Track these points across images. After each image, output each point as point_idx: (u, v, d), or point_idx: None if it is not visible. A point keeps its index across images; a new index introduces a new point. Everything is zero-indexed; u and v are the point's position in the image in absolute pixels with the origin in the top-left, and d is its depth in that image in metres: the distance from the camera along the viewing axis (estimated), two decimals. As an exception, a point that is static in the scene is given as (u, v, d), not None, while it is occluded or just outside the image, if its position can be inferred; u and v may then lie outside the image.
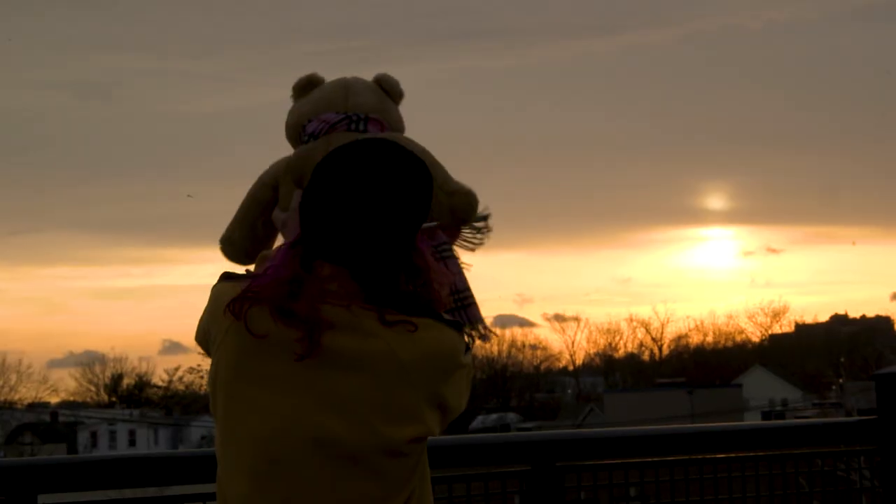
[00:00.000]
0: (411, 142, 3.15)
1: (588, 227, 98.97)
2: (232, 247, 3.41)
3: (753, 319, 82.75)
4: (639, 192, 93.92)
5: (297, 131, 3.30)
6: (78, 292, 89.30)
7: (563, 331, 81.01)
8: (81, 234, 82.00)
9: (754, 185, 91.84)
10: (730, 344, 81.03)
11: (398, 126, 3.34)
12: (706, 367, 71.78)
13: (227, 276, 2.36)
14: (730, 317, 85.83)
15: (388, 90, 3.35)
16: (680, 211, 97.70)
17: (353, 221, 2.19)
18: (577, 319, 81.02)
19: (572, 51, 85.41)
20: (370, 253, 2.21)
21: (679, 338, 79.89)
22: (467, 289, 3.17)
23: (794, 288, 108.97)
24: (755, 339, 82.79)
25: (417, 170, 2.28)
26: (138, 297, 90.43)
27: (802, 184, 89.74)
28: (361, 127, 3.19)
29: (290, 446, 2.18)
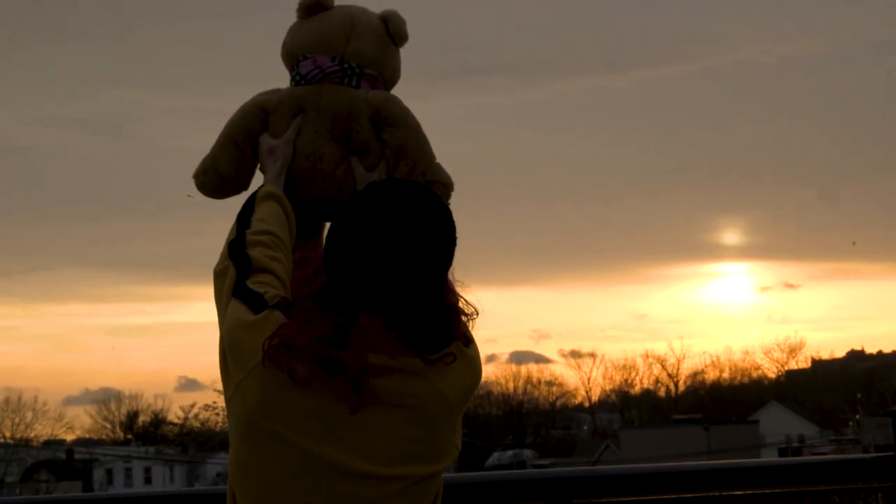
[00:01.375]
0: (403, 108, 3.10)
1: (604, 263, 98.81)
2: (218, 177, 3.11)
3: (770, 355, 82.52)
4: (654, 228, 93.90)
5: (291, 61, 3.19)
6: (93, 329, 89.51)
7: (579, 367, 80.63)
8: (95, 271, 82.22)
9: (771, 220, 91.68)
10: (746, 380, 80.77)
11: (393, 77, 3.23)
12: (722, 403, 71.53)
13: (243, 291, 2.38)
14: (746, 353, 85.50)
15: (392, 33, 3.20)
16: (696, 246, 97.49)
17: (387, 274, 2.19)
18: (592, 355, 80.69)
19: (586, 86, 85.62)
20: (405, 304, 2.23)
21: (695, 374, 79.72)
22: None
23: (810, 324, 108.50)
24: (771, 375, 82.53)
25: (443, 215, 2.30)
26: (153, 334, 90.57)
27: (819, 219, 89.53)
28: (354, 83, 3.08)
29: (322, 486, 2.21)
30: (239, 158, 3.10)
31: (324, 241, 3.13)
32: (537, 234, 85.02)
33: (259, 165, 3.08)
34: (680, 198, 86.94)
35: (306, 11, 3.17)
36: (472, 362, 2.36)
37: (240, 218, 2.71)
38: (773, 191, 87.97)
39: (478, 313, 2.44)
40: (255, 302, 2.34)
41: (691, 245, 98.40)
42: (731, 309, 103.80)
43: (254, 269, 2.47)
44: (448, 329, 2.30)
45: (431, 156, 3.12)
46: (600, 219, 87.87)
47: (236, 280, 2.44)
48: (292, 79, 3.16)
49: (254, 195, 2.81)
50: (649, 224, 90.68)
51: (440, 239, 2.27)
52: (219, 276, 2.53)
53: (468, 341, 2.38)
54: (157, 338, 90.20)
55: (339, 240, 2.26)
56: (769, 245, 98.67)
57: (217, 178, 3.11)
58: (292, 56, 3.17)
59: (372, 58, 3.13)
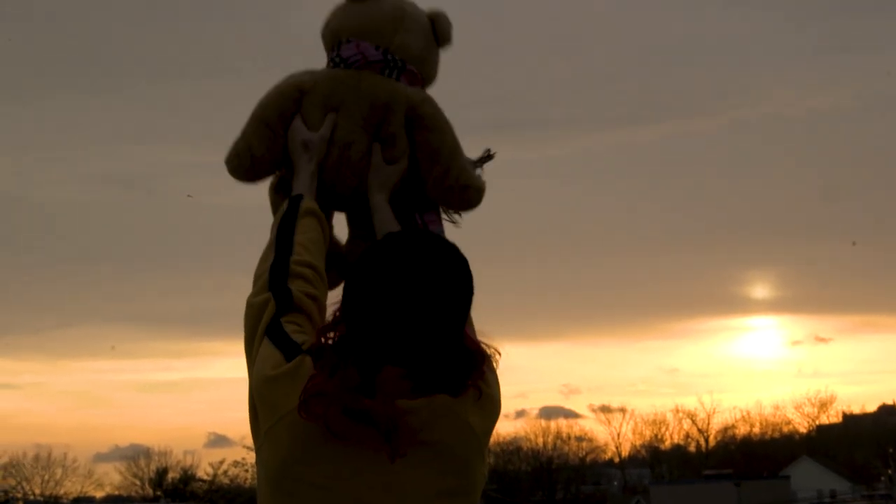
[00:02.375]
0: (439, 111, 3.05)
1: (633, 318, 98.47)
2: (252, 160, 2.99)
3: (800, 410, 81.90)
4: (684, 282, 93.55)
5: (332, 41, 3.11)
6: (121, 385, 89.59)
7: (609, 422, 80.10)
8: (123, 327, 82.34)
9: (801, 273, 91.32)
10: (777, 435, 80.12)
11: (431, 76, 3.18)
12: (753, 458, 70.90)
13: (278, 334, 2.38)
14: (776, 407, 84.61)
15: (438, 33, 3.16)
16: (726, 300, 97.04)
17: (408, 327, 2.19)
18: (622, 411, 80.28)
19: (614, 140, 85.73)
20: (426, 354, 2.22)
21: (725, 429, 79.10)
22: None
23: (841, 377, 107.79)
24: (802, 429, 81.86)
25: (460, 266, 2.29)
26: (182, 390, 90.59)
27: (850, 272, 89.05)
28: (395, 76, 3.03)
29: None
30: (272, 139, 3.00)
31: (332, 238, 3.08)
32: (567, 289, 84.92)
33: (288, 150, 3.00)
34: (709, 252, 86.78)
35: None
36: (493, 396, 2.37)
37: (280, 233, 2.69)
38: (802, 244, 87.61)
39: (500, 353, 2.43)
40: (289, 349, 2.33)
41: (721, 299, 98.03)
42: (762, 363, 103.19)
43: (293, 308, 2.46)
44: (470, 371, 2.29)
45: (464, 160, 3.07)
46: (629, 273, 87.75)
47: (273, 316, 2.44)
48: (331, 59, 3.09)
49: (295, 204, 2.78)
50: (679, 278, 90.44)
51: (458, 290, 2.27)
52: (255, 307, 2.50)
53: (485, 376, 2.37)
54: (186, 394, 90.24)
55: (358, 292, 2.25)
56: (799, 298, 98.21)
57: (250, 161, 3.01)
58: (335, 37, 3.10)
59: (416, 54, 3.09)
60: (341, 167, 2.96)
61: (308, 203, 2.79)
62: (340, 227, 3.13)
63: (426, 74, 3.16)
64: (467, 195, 3.06)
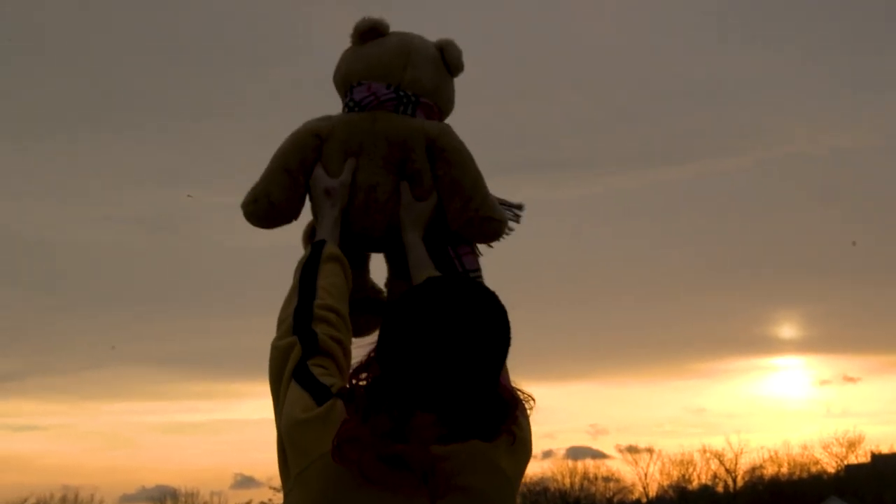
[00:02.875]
0: (459, 142, 3.02)
1: (660, 357, 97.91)
2: (269, 206, 2.98)
3: (829, 450, 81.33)
4: (711, 322, 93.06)
5: (344, 85, 3.10)
6: (148, 427, 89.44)
7: (636, 462, 79.64)
8: (149, 368, 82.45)
9: (828, 313, 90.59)
10: (805, 475, 79.56)
11: (447, 107, 3.15)
12: (782, 498, 70.42)
13: (306, 377, 2.38)
14: (805, 447, 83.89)
15: (448, 62, 3.12)
16: (753, 340, 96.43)
17: (443, 373, 2.18)
18: (650, 451, 79.82)
19: (641, 180, 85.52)
20: (460, 401, 2.21)
21: (753, 469, 78.58)
22: (478, 269, 3.06)
23: (870, 417, 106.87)
24: (831, 469, 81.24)
25: (498, 313, 2.29)
26: (208, 431, 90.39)
27: (878, 312, 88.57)
28: (410, 111, 3.00)
29: None
30: (291, 188, 2.99)
31: (368, 282, 3.13)
32: (595, 329, 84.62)
33: (310, 199, 3.01)
34: (737, 291, 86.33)
35: (361, 37, 3.10)
36: (525, 440, 2.36)
37: (303, 278, 2.69)
38: (830, 283, 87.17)
39: (534, 400, 2.43)
40: (318, 392, 2.33)
41: (749, 339, 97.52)
42: (790, 403, 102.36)
43: (318, 351, 2.46)
44: (503, 418, 2.29)
45: (485, 191, 3.03)
46: (657, 313, 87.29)
47: (300, 360, 2.43)
48: (345, 105, 3.08)
49: (318, 250, 2.78)
50: (706, 318, 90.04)
51: (495, 338, 2.27)
52: (280, 350, 2.50)
53: (518, 420, 2.36)
54: (212, 435, 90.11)
55: (395, 336, 2.25)
56: (827, 338, 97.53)
57: (268, 206, 3.00)
58: (346, 81, 3.09)
59: (429, 87, 3.06)
60: (370, 210, 2.94)
61: (330, 248, 2.79)
62: (379, 268, 3.14)
63: (442, 106, 3.13)
64: (489, 227, 3.02)
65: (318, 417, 2.27)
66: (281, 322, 2.60)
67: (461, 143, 3.02)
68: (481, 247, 3.11)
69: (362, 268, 3.12)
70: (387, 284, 3.13)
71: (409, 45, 3.07)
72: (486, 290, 2.36)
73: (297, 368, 2.42)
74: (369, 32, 3.08)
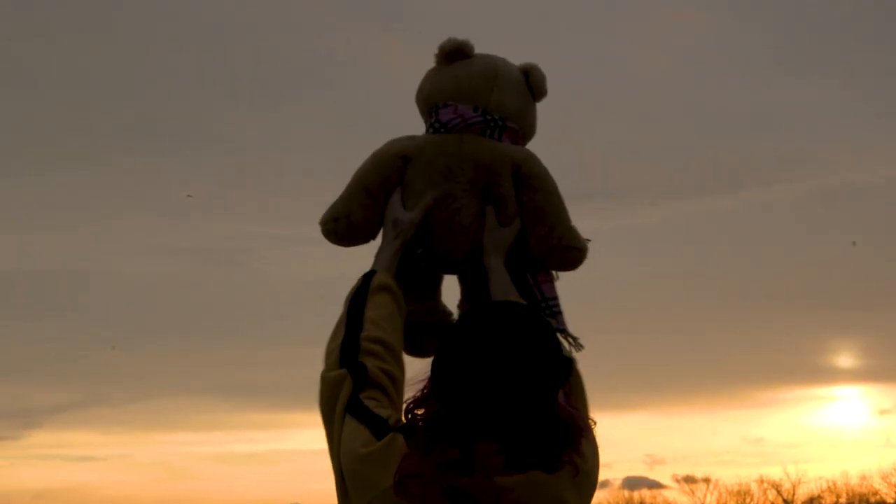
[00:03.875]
0: (544, 169, 3.00)
1: (718, 387, 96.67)
2: (349, 225, 2.95)
3: (887, 480, 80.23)
4: (769, 351, 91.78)
5: (428, 106, 3.06)
6: (203, 457, 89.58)
7: (693, 493, 78.80)
8: (204, 398, 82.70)
9: (888, 342, 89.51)
10: (864, 505, 78.66)
11: (530, 132, 3.12)
12: (840, 529, 69.64)
13: (361, 411, 2.36)
14: (863, 477, 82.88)
15: (532, 86, 3.09)
16: (811, 370, 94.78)
17: (502, 403, 2.14)
18: (707, 481, 79.09)
19: (695, 208, 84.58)
20: (521, 428, 2.17)
21: (811, 499, 77.59)
22: (556, 297, 3.03)
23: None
24: (889, 500, 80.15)
25: (548, 336, 2.24)
26: (264, 462, 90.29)
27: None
28: (496, 135, 2.96)
29: None
30: (371, 208, 2.95)
31: (440, 305, 3.10)
32: (651, 358, 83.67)
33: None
34: (795, 320, 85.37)
35: (446, 58, 3.06)
36: (590, 473, 2.31)
37: (350, 309, 2.66)
38: (889, 312, 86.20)
39: (595, 422, 2.40)
40: (376, 426, 2.31)
41: (807, 368, 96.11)
42: (848, 433, 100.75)
43: (369, 383, 2.44)
44: (565, 445, 2.24)
45: (568, 220, 2.99)
46: (714, 342, 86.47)
47: (352, 393, 2.42)
48: (430, 126, 3.03)
49: (367, 280, 2.75)
50: (763, 347, 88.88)
51: (549, 362, 2.21)
52: (330, 385, 2.48)
53: (581, 449, 2.32)
54: (268, 465, 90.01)
55: (449, 368, 2.21)
56: (887, 367, 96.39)
57: (347, 226, 2.96)
58: (430, 102, 3.05)
59: (514, 111, 3.03)
60: (453, 233, 2.92)
61: (381, 278, 2.76)
62: (451, 291, 3.12)
63: (526, 131, 3.10)
64: (570, 256, 2.99)
65: (378, 451, 2.25)
66: (328, 354, 2.58)
67: (546, 171, 3.00)
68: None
69: (435, 290, 3.11)
70: (459, 307, 3.10)
71: (496, 68, 3.04)
72: (532, 311, 2.32)
73: (351, 402, 2.40)
74: (455, 53, 3.05)
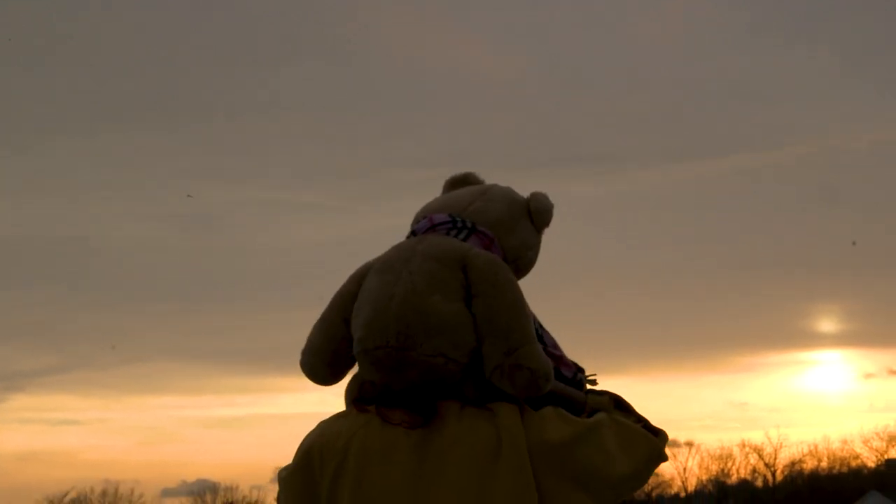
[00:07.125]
0: (505, 280, 2.53)
1: (701, 352, 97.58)
2: (311, 358, 2.65)
3: (869, 444, 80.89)
4: (752, 316, 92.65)
5: (412, 227, 2.84)
6: (187, 421, 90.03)
7: (675, 457, 79.48)
8: (188, 363, 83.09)
9: (872, 307, 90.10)
10: (845, 469, 79.21)
11: (517, 252, 2.77)
12: (821, 492, 70.13)
13: None
14: (844, 441, 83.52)
15: (532, 210, 2.81)
16: (795, 334, 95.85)
17: None
18: (689, 445, 79.66)
19: (679, 174, 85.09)
20: None
21: (793, 463, 78.30)
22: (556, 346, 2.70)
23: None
24: (871, 464, 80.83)
25: None
26: (247, 426, 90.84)
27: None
28: (462, 236, 2.66)
29: None
30: (334, 338, 2.64)
31: None
32: (633, 323, 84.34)
33: None
34: (778, 285, 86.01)
35: (449, 186, 2.93)
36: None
37: None
38: (872, 276, 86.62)
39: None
40: None
41: (789, 333, 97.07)
42: (831, 397, 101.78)
43: None
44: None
45: (524, 338, 2.44)
46: (697, 308, 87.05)
47: None
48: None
49: None
50: (746, 312, 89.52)
51: None
52: None
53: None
54: (252, 429, 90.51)
55: None
56: (872, 332, 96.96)
57: (311, 360, 2.71)
58: (415, 221, 2.83)
59: (495, 220, 2.75)
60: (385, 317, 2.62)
61: None
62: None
63: (506, 245, 2.75)
64: (519, 377, 2.44)
65: None
66: None
67: (509, 282, 2.53)
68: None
69: None
70: None
71: (491, 187, 2.87)
72: None
73: None
74: (459, 183, 2.92)
